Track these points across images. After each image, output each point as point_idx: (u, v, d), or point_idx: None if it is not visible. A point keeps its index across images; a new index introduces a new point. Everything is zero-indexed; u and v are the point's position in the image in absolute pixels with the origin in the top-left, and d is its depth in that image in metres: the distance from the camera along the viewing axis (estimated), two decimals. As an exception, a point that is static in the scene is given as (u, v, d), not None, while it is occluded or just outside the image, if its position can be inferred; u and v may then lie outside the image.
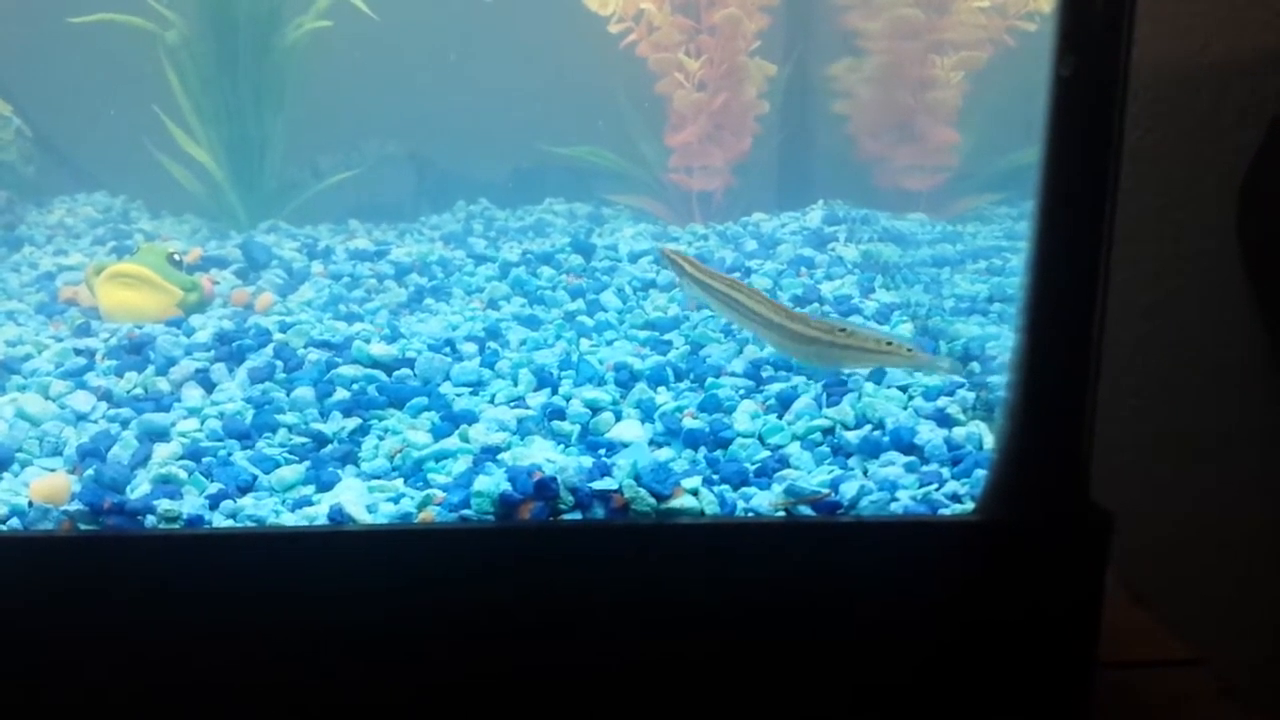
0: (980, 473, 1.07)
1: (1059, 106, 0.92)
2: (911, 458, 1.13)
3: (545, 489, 1.01)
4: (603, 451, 1.16)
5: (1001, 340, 1.28)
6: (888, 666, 1.02)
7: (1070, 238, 0.95)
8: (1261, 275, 1.87)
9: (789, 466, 1.14)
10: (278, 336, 1.38)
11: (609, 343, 1.49)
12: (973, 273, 1.58)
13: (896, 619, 1.01)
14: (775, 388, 1.27)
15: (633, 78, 2.19)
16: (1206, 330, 1.94)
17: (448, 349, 1.38)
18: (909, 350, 1.27)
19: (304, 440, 1.19)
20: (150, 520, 1.00)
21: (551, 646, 1.00)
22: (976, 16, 2.03)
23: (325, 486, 1.11)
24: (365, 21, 2.09)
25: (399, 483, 1.12)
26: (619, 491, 1.02)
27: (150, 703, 0.99)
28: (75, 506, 1.01)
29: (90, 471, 1.10)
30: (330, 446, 1.19)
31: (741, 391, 1.28)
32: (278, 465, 1.13)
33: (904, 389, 1.25)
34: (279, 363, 1.31)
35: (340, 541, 0.98)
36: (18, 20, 2.17)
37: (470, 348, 1.40)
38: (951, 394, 1.23)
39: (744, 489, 1.08)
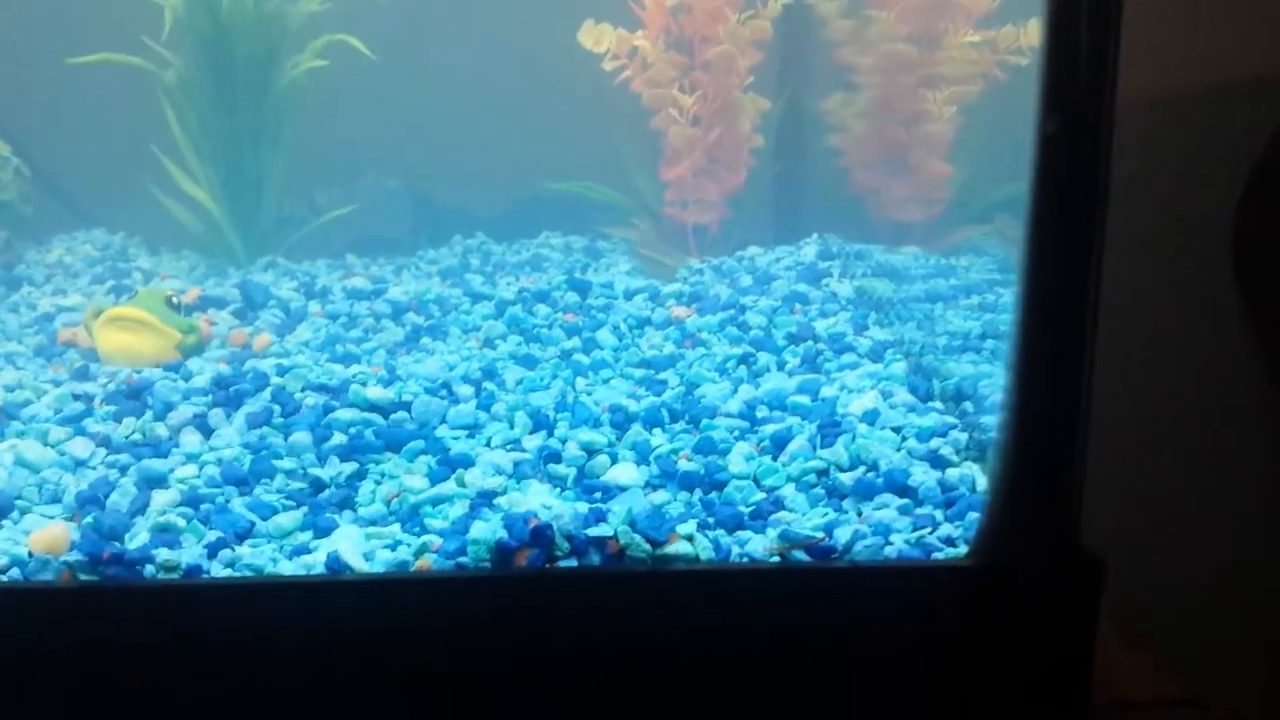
0: (973, 515, 1.08)
1: (1044, 162, 0.93)
2: (905, 500, 1.13)
3: (541, 536, 1.02)
4: (599, 495, 1.17)
5: (994, 379, 1.29)
6: (882, 711, 1.02)
7: (1058, 287, 0.96)
8: (1259, 302, 1.88)
9: (784, 509, 1.15)
10: (275, 380, 1.39)
11: (605, 381, 1.50)
12: (965, 308, 1.59)
13: (890, 663, 1.02)
14: (769, 429, 1.28)
15: (628, 113, 2.21)
16: (1205, 357, 1.95)
17: (444, 391, 1.39)
18: None
19: (301, 486, 1.19)
20: (149, 570, 1.01)
21: (547, 693, 1.01)
22: (968, 51, 2.06)
23: (322, 533, 1.12)
24: (361, 59, 2.11)
25: (396, 528, 1.12)
26: (614, 538, 1.03)
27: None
28: (75, 557, 1.01)
29: (89, 519, 1.10)
30: (327, 492, 1.19)
31: (736, 433, 1.29)
32: (275, 512, 1.14)
33: (897, 430, 1.26)
34: (276, 407, 1.32)
35: (338, 590, 0.99)
36: (16, 60, 2.19)
37: (466, 390, 1.41)
38: (944, 435, 1.23)
39: (739, 533, 1.09)
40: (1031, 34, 1.95)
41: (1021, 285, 0.97)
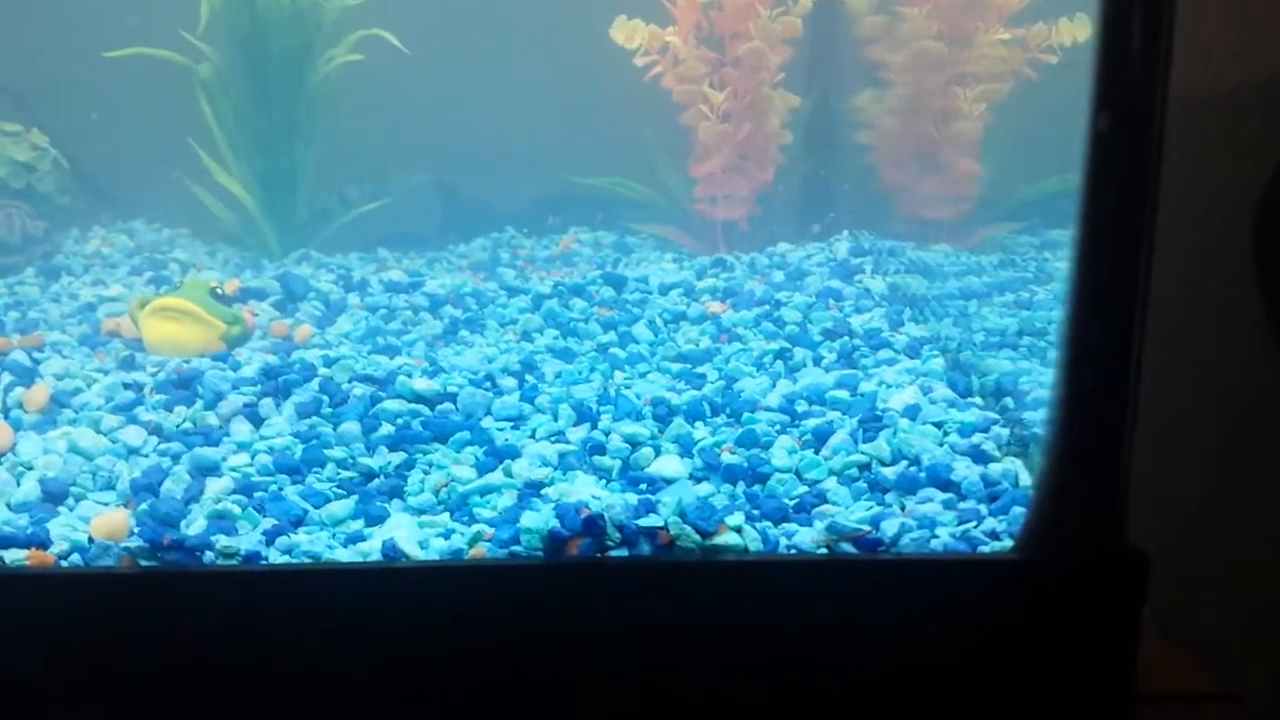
0: (1018, 510, 1.09)
1: (1096, 158, 0.94)
2: (949, 494, 1.15)
3: (593, 526, 1.04)
4: (644, 486, 1.19)
5: (1033, 375, 1.31)
6: (929, 703, 1.04)
7: (1108, 284, 0.97)
8: (1278, 299, 1.89)
9: (827, 502, 1.16)
10: (322, 371, 1.41)
11: (642, 375, 1.52)
12: (1000, 305, 1.61)
13: (937, 655, 1.03)
14: (811, 423, 1.30)
15: (658, 109, 2.22)
16: (1223, 356, 1.96)
17: (488, 383, 1.41)
18: None
19: (352, 475, 1.21)
20: (209, 556, 1.03)
21: (600, 680, 1.03)
22: (998, 49, 2.06)
23: (374, 521, 1.14)
24: (395, 54, 2.13)
25: (446, 517, 1.14)
26: (665, 529, 1.04)
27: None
28: (136, 543, 1.03)
29: (145, 506, 1.12)
30: (377, 481, 1.21)
31: (778, 426, 1.30)
32: (327, 500, 1.16)
33: (939, 425, 1.27)
34: (324, 397, 1.34)
35: (397, 577, 1.01)
36: (54, 53, 2.21)
37: (510, 382, 1.42)
38: (986, 430, 1.25)
39: (785, 525, 1.11)
40: (1063, 32, 1.96)
41: (1072, 281, 0.98)
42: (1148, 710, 1.17)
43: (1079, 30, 1.88)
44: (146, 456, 1.26)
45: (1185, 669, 1.26)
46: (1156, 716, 1.16)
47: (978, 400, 1.36)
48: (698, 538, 1.05)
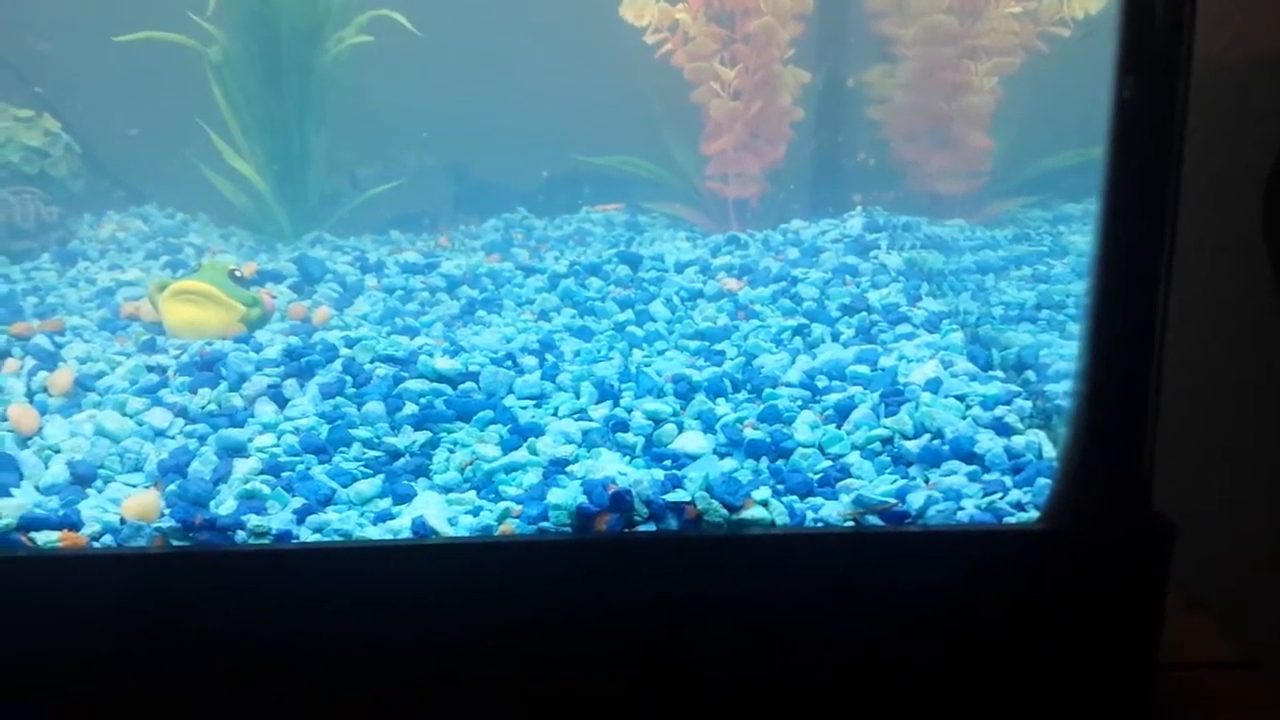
0: (1042, 481, 1.10)
1: (1120, 125, 0.95)
2: (973, 466, 1.15)
3: (621, 501, 1.04)
4: (669, 463, 1.19)
5: (1054, 348, 1.31)
6: (956, 673, 1.05)
7: (1133, 252, 0.98)
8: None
9: (850, 476, 1.17)
10: (345, 352, 1.41)
11: (660, 353, 1.52)
12: (1017, 279, 1.61)
13: (964, 625, 1.04)
14: (833, 398, 1.30)
15: (668, 87, 2.22)
16: (1238, 324, 1.95)
17: (509, 362, 1.41)
18: None
19: (377, 454, 1.22)
20: (241, 535, 1.03)
21: (629, 654, 1.04)
22: (1009, 23, 2.06)
23: (401, 499, 1.14)
24: (404, 34, 2.13)
25: (472, 495, 1.15)
26: (692, 503, 1.05)
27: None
28: (167, 523, 1.04)
29: (173, 487, 1.13)
30: (403, 460, 1.22)
31: (799, 402, 1.31)
32: (355, 479, 1.17)
33: (961, 398, 1.27)
34: (348, 378, 1.35)
35: (429, 553, 1.01)
36: (65, 38, 2.21)
37: (530, 361, 1.43)
38: (1008, 403, 1.25)
39: (810, 499, 1.11)
40: (1075, 5, 1.95)
41: (1096, 250, 0.98)
42: (1171, 677, 1.18)
43: (1091, 2, 1.88)
44: (173, 438, 1.27)
45: (1209, 637, 1.27)
46: (1180, 684, 1.17)
47: (999, 373, 1.36)
48: (725, 512, 1.05)
